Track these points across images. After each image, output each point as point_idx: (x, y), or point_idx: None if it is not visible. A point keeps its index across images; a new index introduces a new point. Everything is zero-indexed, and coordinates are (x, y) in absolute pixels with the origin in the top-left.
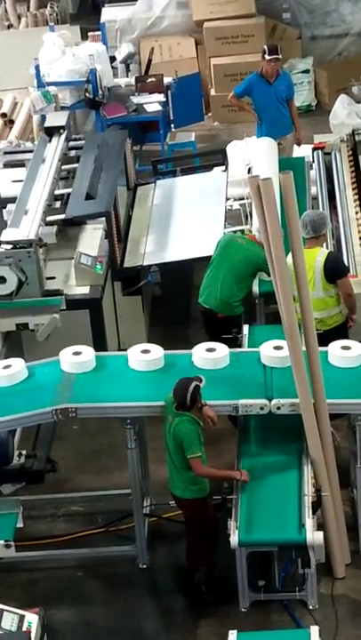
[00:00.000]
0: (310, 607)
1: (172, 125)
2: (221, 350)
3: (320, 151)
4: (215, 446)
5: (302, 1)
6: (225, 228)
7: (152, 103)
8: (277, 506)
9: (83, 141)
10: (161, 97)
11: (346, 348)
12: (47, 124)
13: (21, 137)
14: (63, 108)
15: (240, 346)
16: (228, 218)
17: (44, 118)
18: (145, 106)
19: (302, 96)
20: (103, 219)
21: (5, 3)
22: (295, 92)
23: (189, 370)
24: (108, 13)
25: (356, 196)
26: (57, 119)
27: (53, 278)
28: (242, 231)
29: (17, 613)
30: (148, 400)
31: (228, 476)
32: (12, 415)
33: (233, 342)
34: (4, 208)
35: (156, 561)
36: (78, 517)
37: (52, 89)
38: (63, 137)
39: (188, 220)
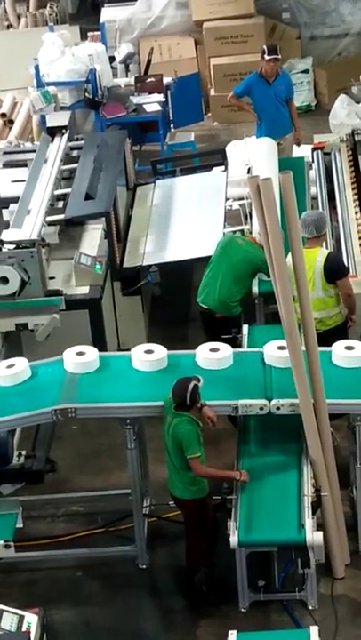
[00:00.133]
0: (310, 607)
1: (172, 125)
2: (225, 350)
3: (320, 151)
4: (215, 446)
5: (302, 1)
6: (224, 228)
7: (151, 103)
8: (277, 506)
9: (83, 141)
10: (160, 97)
11: (349, 348)
12: (49, 123)
13: (21, 137)
14: (63, 108)
15: (240, 346)
16: (228, 218)
17: (43, 118)
18: (144, 106)
19: (302, 96)
20: (103, 219)
21: (5, 3)
22: (295, 92)
23: (193, 370)
24: (107, 13)
25: (356, 196)
26: (59, 119)
27: (53, 278)
28: (241, 231)
29: (16, 614)
30: (152, 400)
31: (227, 477)
32: (11, 415)
33: (232, 342)
34: (6, 208)
35: (155, 561)
36: (78, 518)
37: (51, 89)
38: (65, 137)
39: (187, 220)
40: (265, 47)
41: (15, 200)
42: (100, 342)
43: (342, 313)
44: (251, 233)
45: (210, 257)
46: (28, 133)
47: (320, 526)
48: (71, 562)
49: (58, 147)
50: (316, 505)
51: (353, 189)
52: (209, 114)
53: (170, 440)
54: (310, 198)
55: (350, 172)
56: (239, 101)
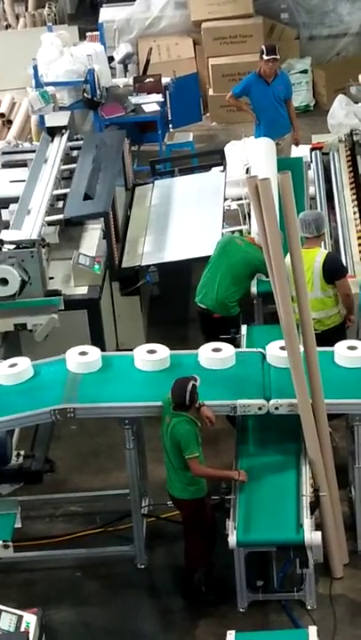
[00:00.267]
0: (308, 607)
1: (170, 125)
2: (227, 350)
3: (318, 151)
4: (213, 446)
5: (300, 1)
6: (223, 228)
7: (150, 103)
8: (275, 506)
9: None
10: (159, 97)
11: (352, 348)
12: (49, 123)
13: (19, 137)
14: (61, 109)
15: (238, 346)
16: (227, 218)
17: (42, 118)
18: (143, 106)
19: (300, 96)
20: (101, 219)
21: (3, 3)
22: (293, 93)
23: (196, 370)
24: (106, 13)
25: (355, 197)
26: (59, 119)
27: (52, 278)
28: (240, 231)
29: (15, 614)
30: (155, 400)
31: (226, 477)
32: (10, 415)
33: (231, 342)
34: (5, 208)
35: (154, 561)
36: (76, 518)
37: (50, 89)
38: (65, 137)
39: (186, 220)
40: (264, 47)
41: (15, 200)
42: (98, 342)
43: (341, 313)
44: (249, 233)
45: (208, 257)
46: (27, 133)
47: (319, 526)
48: (70, 562)
49: (58, 147)
50: (315, 505)
51: (351, 190)
52: (207, 114)
53: (168, 440)
54: (309, 198)
55: (349, 173)
56: (238, 101)
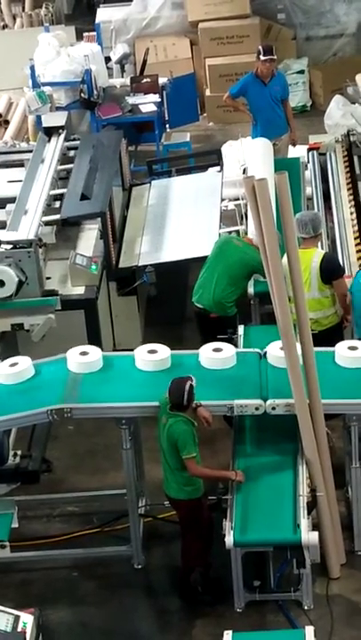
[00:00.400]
0: (305, 607)
1: (168, 126)
2: (228, 350)
3: (315, 152)
4: (210, 446)
5: (297, 2)
6: (220, 228)
7: (147, 103)
8: (272, 506)
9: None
10: (156, 97)
11: (352, 348)
12: (46, 124)
13: (16, 137)
14: (58, 109)
15: (235, 346)
16: (224, 218)
17: (39, 119)
18: (140, 106)
19: (297, 97)
20: (98, 219)
21: (0, 3)
22: (290, 93)
23: (196, 370)
24: (103, 14)
25: (351, 197)
26: (55, 119)
27: (49, 278)
28: (237, 232)
29: (12, 614)
30: (155, 401)
31: (223, 477)
32: (7, 415)
33: (228, 343)
34: (2, 208)
35: (151, 561)
36: (73, 518)
37: (47, 89)
38: (62, 137)
39: (183, 220)
40: (260, 48)
41: (12, 200)
42: (95, 342)
43: (338, 313)
44: (246, 233)
45: (205, 257)
46: (24, 134)
47: (315, 526)
48: (67, 562)
49: (55, 147)
50: (312, 505)
51: (348, 190)
52: (204, 114)
53: (165, 440)
54: (306, 199)
55: (346, 173)
56: (235, 102)
